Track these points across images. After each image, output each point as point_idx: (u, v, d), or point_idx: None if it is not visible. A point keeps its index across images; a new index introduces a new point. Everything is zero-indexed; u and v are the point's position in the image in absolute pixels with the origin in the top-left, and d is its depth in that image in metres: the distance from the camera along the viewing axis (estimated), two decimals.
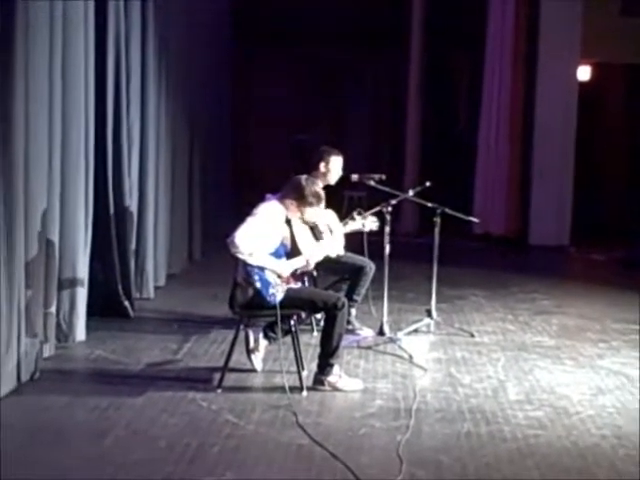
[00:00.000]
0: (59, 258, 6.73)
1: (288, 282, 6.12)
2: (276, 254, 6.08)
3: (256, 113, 15.70)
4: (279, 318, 5.98)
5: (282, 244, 6.17)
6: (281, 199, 6.16)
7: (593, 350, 7.46)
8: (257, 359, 6.48)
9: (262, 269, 5.94)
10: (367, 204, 11.36)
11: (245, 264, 5.92)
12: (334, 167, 7.53)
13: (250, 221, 5.94)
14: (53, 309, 6.68)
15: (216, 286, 8.78)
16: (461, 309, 8.95)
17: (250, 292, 5.96)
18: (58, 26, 6.44)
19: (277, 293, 5.97)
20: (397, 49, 15.12)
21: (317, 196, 6.20)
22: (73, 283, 7.01)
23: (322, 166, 7.49)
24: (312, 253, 6.48)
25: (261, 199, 6.19)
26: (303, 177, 6.25)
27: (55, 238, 6.58)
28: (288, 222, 6.35)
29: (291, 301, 6.05)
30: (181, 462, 4.79)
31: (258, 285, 5.92)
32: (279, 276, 6.03)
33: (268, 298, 5.93)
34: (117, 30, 7.85)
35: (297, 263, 6.27)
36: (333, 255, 6.88)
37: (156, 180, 9.27)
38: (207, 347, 7.14)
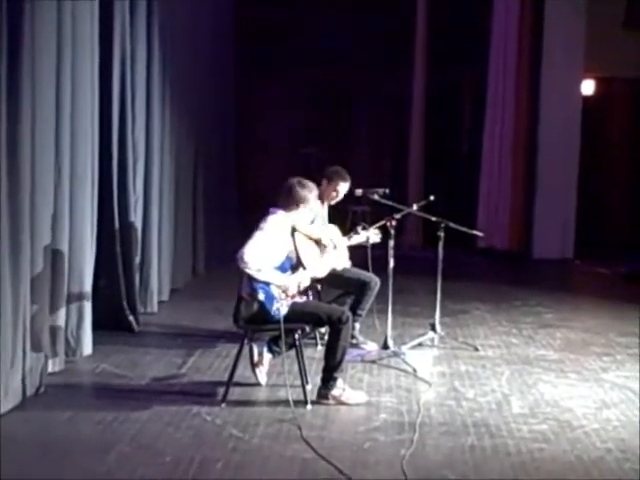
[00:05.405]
0: (67, 273, 6.76)
1: (293, 296, 6.13)
2: (282, 268, 6.10)
3: (259, 131, 15.73)
4: (283, 333, 5.99)
5: (288, 258, 6.18)
6: (286, 209, 6.18)
7: (597, 364, 7.46)
8: (261, 373, 6.49)
9: (267, 284, 5.95)
10: (371, 218, 11.37)
11: (250, 279, 5.93)
12: (340, 191, 7.59)
13: (258, 236, 5.95)
14: (62, 323, 6.71)
15: (220, 300, 8.82)
16: (465, 323, 8.95)
17: (255, 306, 5.97)
18: (67, 44, 6.49)
19: (281, 307, 5.98)
20: (401, 67, 15.16)
21: (310, 188, 6.25)
22: (80, 297, 7.04)
23: (324, 183, 7.54)
24: (317, 268, 6.50)
25: (265, 213, 6.21)
26: (293, 181, 6.26)
27: (63, 252, 6.61)
28: (292, 235, 6.37)
29: (296, 315, 6.06)
30: (186, 476, 4.79)
31: (263, 299, 5.93)
32: (284, 291, 6.03)
33: (272, 312, 5.94)
34: (122, 47, 7.89)
35: (302, 278, 6.27)
36: (339, 267, 6.89)
37: (160, 195, 9.31)
38: (211, 361, 7.15)
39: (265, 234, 5.97)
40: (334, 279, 7.19)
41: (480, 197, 14.53)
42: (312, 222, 7.30)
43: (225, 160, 13.39)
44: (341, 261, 7.07)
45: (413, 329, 8.42)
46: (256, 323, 6.07)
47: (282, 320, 5.94)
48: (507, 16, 14.18)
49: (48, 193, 6.28)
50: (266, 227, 6.03)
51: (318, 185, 7.35)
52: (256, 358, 6.45)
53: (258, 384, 6.45)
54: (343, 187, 7.62)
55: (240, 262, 5.84)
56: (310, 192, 6.26)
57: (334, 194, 7.64)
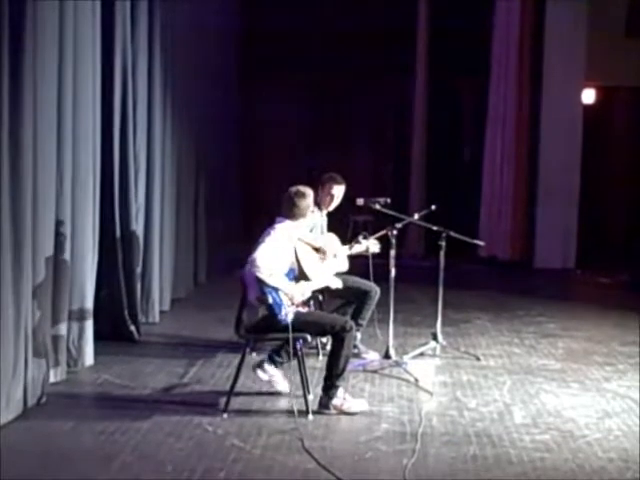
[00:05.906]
0: (69, 283, 6.76)
1: (297, 306, 6.12)
2: (287, 277, 6.09)
3: (262, 139, 15.74)
4: (291, 338, 5.95)
5: (291, 269, 6.19)
6: (292, 219, 6.18)
7: (599, 373, 7.45)
8: (280, 379, 6.46)
9: (276, 289, 5.94)
10: (373, 228, 11.37)
11: (260, 283, 5.90)
12: (335, 194, 7.59)
13: (269, 242, 5.97)
14: (64, 333, 6.71)
15: (221, 310, 8.81)
16: (467, 332, 8.94)
17: (262, 311, 5.96)
18: (69, 44, 6.51)
19: (289, 313, 5.97)
20: (402, 73, 15.18)
21: (308, 195, 6.27)
22: (82, 307, 7.04)
23: (320, 190, 7.55)
24: (319, 278, 6.50)
25: (270, 223, 6.20)
26: (291, 192, 6.25)
27: (65, 262, 6.62)
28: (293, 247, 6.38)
29: (299, 324, 6.04)
30: None
31: (271, 302, 5.91)
32: (290, 299, 6.02)
33: (280, 317, 5.93)
34: (124, 54, 7.90)
35: (306, 288, 6.26)
36: (333, 287, 6.86)
37: (162, 204, 9.32)
38: (213, 371, 7.15)
39: (275, 241, 6.00)
40: (335, 289, 7.18)
41: (482, 206, 14.54)
42: (311, 230, 7.31)
43: (227, 166, 13.39)
44: (336, 281, 7.02)
45: (415, 338, 8.42)
46: (260, 330, 6.06)
47: (290, 325, 5.92)
48: (508, 24, 14.18)
49: (50, 202, 6.28)
50: (275, 235, 6.04)
51: (316, 194, 7.39)
52: (263, 376, 6.44)
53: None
54: (337, 190, 7.62)
55: (252, 266, 5.83)
56: (310, 198, 6.28)
57: (329, 198, 7.63)
